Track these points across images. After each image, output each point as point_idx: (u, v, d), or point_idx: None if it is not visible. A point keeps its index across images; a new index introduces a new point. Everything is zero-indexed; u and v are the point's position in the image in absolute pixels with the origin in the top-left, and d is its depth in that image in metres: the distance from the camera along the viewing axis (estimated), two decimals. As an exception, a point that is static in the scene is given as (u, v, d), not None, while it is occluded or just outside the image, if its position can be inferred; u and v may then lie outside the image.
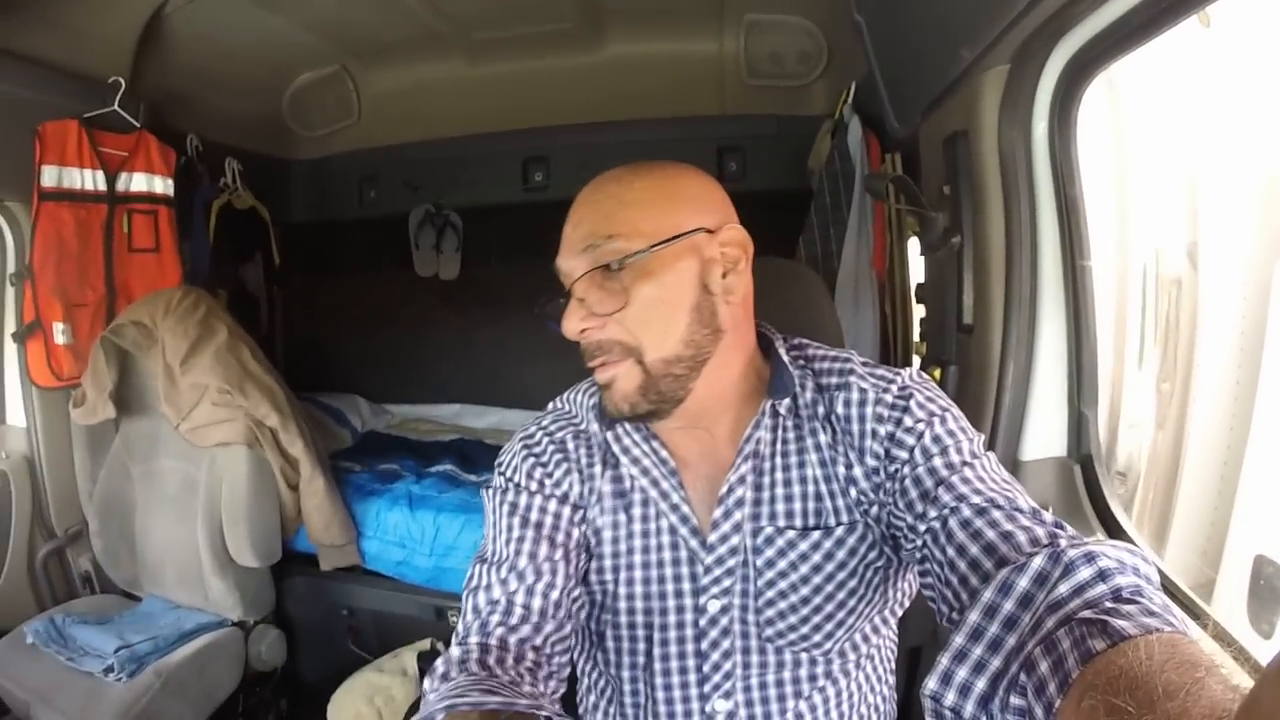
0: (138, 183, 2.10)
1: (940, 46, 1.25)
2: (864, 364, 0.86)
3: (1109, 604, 0.53)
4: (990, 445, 1.25)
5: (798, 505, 0.84)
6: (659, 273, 0.77)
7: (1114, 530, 1.14)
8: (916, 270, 1.97)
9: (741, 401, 0.86)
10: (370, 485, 2.15)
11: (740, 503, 0.84)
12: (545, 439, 0.91)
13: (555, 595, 0.82)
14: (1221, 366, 1.37)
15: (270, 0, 2.07)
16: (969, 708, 0.57)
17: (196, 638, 1.80)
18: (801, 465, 0.85)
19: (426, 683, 0.79)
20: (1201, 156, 1.44)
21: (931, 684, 0.59)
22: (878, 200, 1.87)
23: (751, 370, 0.87)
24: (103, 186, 2.02)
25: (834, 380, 0.85)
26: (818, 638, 0.84)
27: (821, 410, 0.85)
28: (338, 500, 2.01)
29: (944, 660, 0.59)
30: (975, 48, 1.13)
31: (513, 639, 0.79)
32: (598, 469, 0.89)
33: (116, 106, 2.00)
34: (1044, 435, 1.24)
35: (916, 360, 1.93)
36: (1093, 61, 1.05)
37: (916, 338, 1.95)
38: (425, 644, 1.96)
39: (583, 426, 0.92)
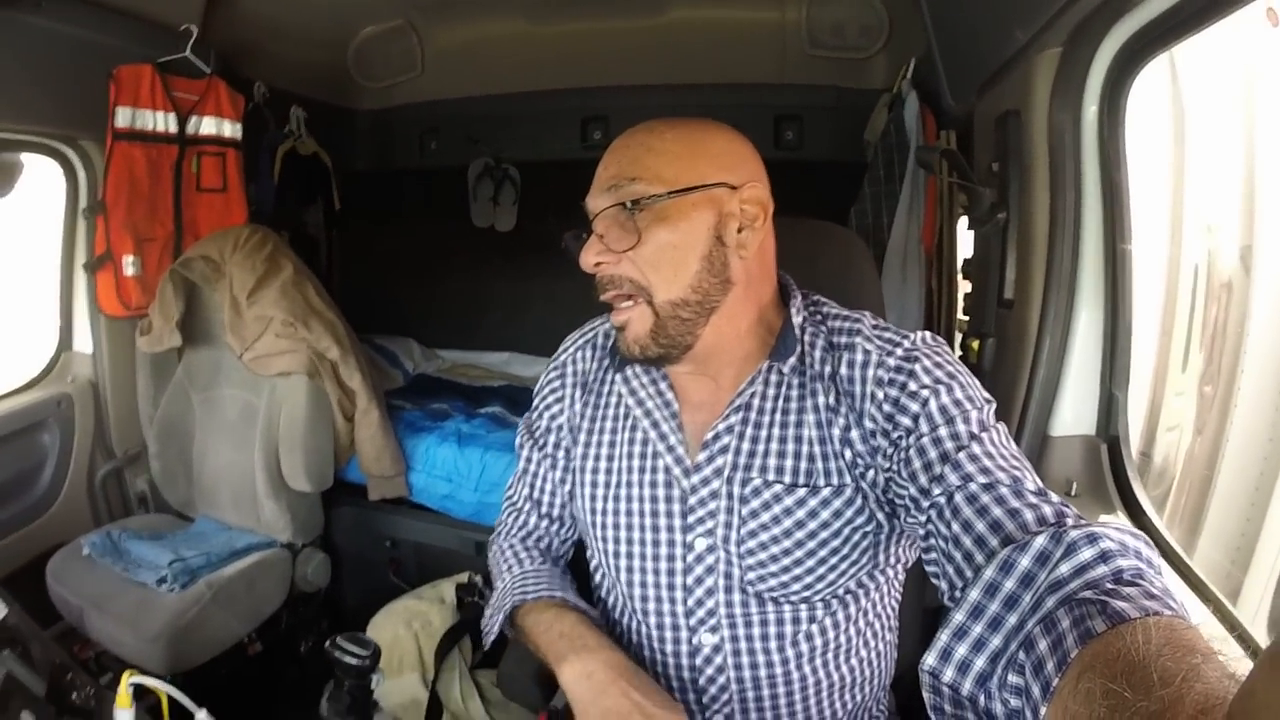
0: (207, 126, 2.29)
1: (996, 26, 1.33)
2: (875, 326, 0.92)
3: (1110, 585, 0.56)
4: (1021, 419, 1.33)
5: (789, 462, 0.92)
6: (674, 218, 0.86)
7: (1135, 511, 1.22)
8: (965, 248, 2.07)
9: (746, 355, 0.95)
10: (421, 422, 2.34)
11: (725, 450, 0.94)
12: (555, 369, 1.12)
13: (555, 508, 1.12)
14: (1266, 375, 1.40)
15: None
16: (967, 685, 0.60)
17: (247, 556, 2.00)
18: (799, 424, 0.92)
19: (493, 550, 1.13)
20: (1263, 159, 1.46)
21: (930, 660, 0.62)
22: (928, 172, 1.97)
23: (762, 326, 0.95)
24: (174, 128, 2.21)
25: (842, 340, 0.92)
26: (797, 587, 0.92)
27: (828, 370, 0.91)
28: (390, 433, 2.20)
29: (943, 637, 0.62)
30: (1029, 29, 1.21)
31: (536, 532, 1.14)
32: (608, 391, 1.05)
33: (189, 53, 2.16)
34: (1075, 413, 1.32)
35: (958, 337, 2.02)
36: (1144, 49, 1.12)
37: (961, 314, 2.05)
38: (463, 577, 2.14)
39: (607, 342, 1.08)
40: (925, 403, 0.82)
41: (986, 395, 0.84)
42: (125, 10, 2.01)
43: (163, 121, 2.17)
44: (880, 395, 0.86)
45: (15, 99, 1.82)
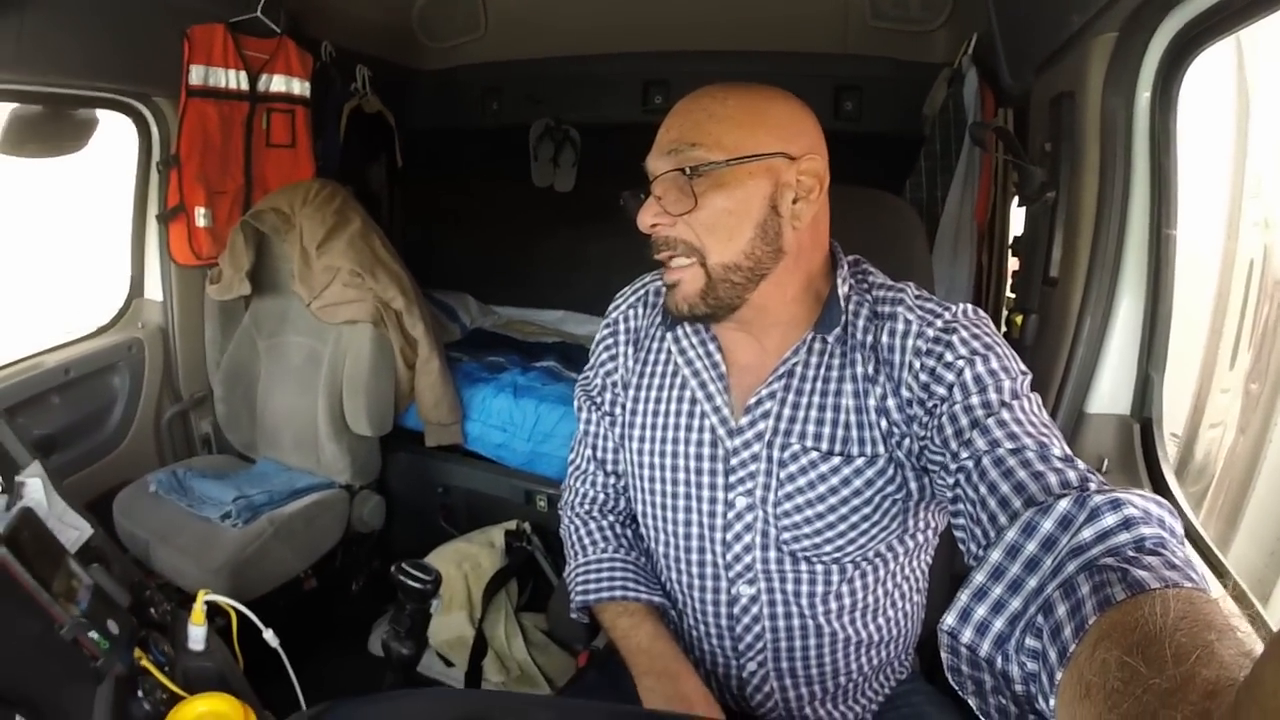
0: (277, 84, 2.45)
1: (1054, 8, 1.39)
2: (918, 296, 0.97)
3: (1131, 553, 0.57)
4: (1059, 394, 1.40)
5: (826, 430, 0.98)
6: (731, 185, 0.91)
7: (1162, 490, 1.27)
8: (1017, 226, 2.14)
9: (792, 321, 1.01)
10: (478, 373, 2.53)
11: (766, 415, 1.01)
12: (607, 326, 1.19)
13: (616, 466, 1.21)
14: None
15: None
16: (985, 646, 0.61)
17: (307, 495, 2.19)
18: (838, 393, 0.98)
19: (563, 522, 1.27)
20: None
21: (950, 619, 0.63)
22: (980, 148, 2.03)
23: (809, 294, 1.01)
24: (245, 86, 2.37)
25: (885, 309, 0.97)
26: (828, 549, 1.00)
27: (870, 338, 0.97)
28: (449, 382, 2.38)
29: (963, 597, 0.63)
30: (1085, 13, 1.27)
31: (604, 493, 1.23)
32: (658, 348, 1.13)
33: (259, 13, 2.32)
34: (1111, 392, 1.38)
35: (1004, 313, 2.09)
36: (1200, 37, 1.16)
37: (1009, 291, 2.12)
38: (512, 524, 2.31)
39: (659, 301, 1.14)
40: (960, 372, 0.86)
41: (1023, 368, 0.88)
42: None
43: (234, 79, 2.34)
44: (918, 365, 0.91)
45: (92, 57, 1.95)
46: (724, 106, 0.94)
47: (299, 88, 2.50)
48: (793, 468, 0.99)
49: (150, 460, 2.38)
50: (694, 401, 1.07)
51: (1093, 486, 0.67)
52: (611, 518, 1.22)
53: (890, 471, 0.96)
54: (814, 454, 0.98)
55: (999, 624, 0.61)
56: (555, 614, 1.35)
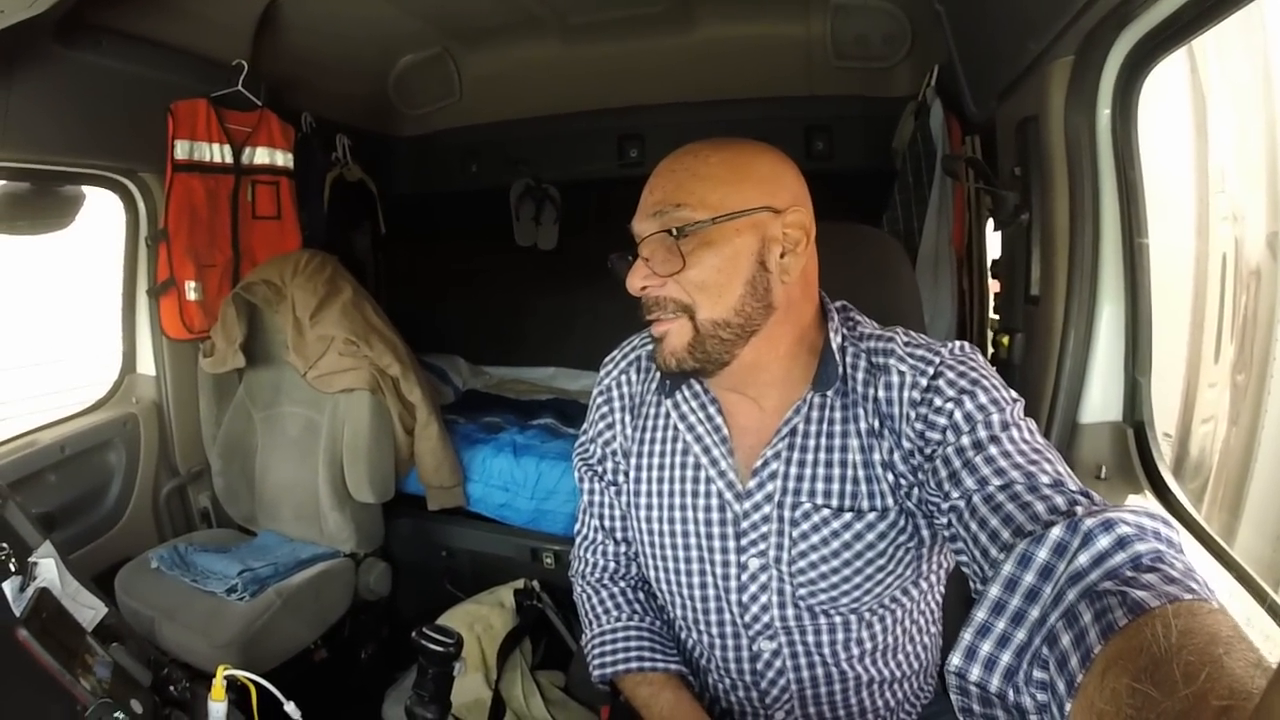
0: (261, 156, 2.51)
1: (1012, 37, 1.46)
2: (906, 344, 0.97)
3: (1129, 573, 0.58)
4: (1051, 408, 1.44)
5: (835, 486, 0.98)
6: (719, 243, 0.92)
7: (1161, 490, 1.29)
8: (993, 248, 2.20)
9: (788, 379, 1.01)
10: (476, 435, 2.55)
11: (774, 475, 1.01)
12: (600, 394, 1.19)
13: (624, 535, 1.20)
14: None
15: None
16: (995, 681, 0.61)
17: (312, 565, 2.18)
18: (844, 449, 0.98)
19: (575, 590, 1.26)
20: None
21: (955, 660, 0.63)
22: (954, 179, 2.10)
23: (803, 349, 1.01)
24: (230, 159, 2.43)
25: (880, 360, 0.98)
26: (845, 601, 1.00)
27: (871, 392, 0.97)
28: (449, 445, 2.40)
29: (967, 635, 0.63)
30: (1042, 40, 1.34)
31: (614, 562, 1.21)
32: (656, 414, 1.12)
33: (240, 87, 2.38)
34: (1102, 400, 1.42)
35: (990, 334, 2.13)
36: (1152, 52, 1.22)
37: (992, 313, 2.17)
38: (519, 583, 2.30)
39: (651, 365, 1.15)
40: (951, 414, 0.88)
41: (1013, 395, 0.89)
42: (180, 47, 2.22)
43: (219, 153, 2.39)
44: (913, 415, 0.92)
45: (78, 135, 2.00)
46: (706, 165, 0.95)
47: (282, 159, 2.56)
48: (805, 526, 0.99)
49: (149, 536, 2.38)
50: (698, 467, 1.07)
51: (1081, 510, 0.68)
52: (623, 584, 1.22)
53: (902, 522, 0.97)
54: (825, 511, 0.99)
55: (1006, 658, 0.61)
56: (576, 675, 1.35)
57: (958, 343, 0.96)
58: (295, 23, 2.45)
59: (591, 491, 1.22)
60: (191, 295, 2.34)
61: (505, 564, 2.42)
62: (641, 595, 1.21)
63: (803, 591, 1.01)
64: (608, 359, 1.21)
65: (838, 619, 1.02)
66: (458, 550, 2.52)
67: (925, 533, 0.98)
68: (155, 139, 2.24)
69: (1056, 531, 0.63)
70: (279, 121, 2.54)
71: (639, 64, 2.91)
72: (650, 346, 1.10)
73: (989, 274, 2.12)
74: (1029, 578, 0.62)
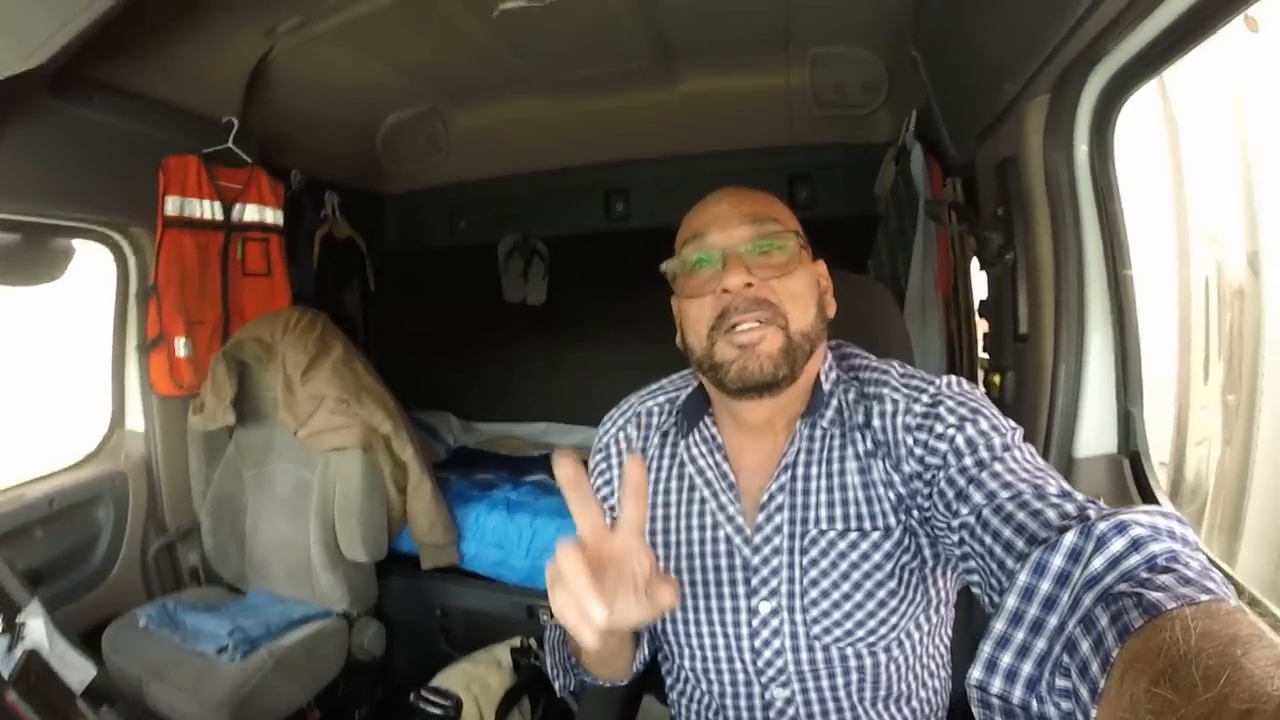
0: (250, 213, 2.51)
1: (988, 79, 1.48)
2: (902, 374, 1.00)
3: (1144, 574, 0.57)
4: (1046, 444, 1.43)
5: (839, 510, 0.99)
6: (805, 263, 0.98)
7: None
8: (979, 288, 2.21)
9: (795, 409, 1.03)
10: (469, 492, 2.50)
11: (780, 508, 1.00)
12: (599, 452, 1.17)
13: None
14: None
15: (366, 46, 2.44)
16: (1017, 692, 0.61)
17: (304, 625, 2.11)
18: (843, 473, 0.99)
19: (547, 646, 1.19)
20: (1260, 163, 1.54)
21: (976, 673, 0.63)
22: (938, 224, 2.13)
23: (815, 378, 1.04)
24: (220, 216, 2.43)
25: (872, 390, 1.00)
26: (861, 633, 0.98)
27: (862, 418, 0.99)
28: (442, 503, 2.36)
29: (986, 648, 0.62)
30: (1017, 81, 1.35)
31: None
32: (661, 461, 1.11)
33: (231, 144, 2.40)
34: (1096, 433, 1.42)
35: (981, 374, 2.13)
36: (1124, 86, 1.24)
37: (981, 352, 2.17)
38: (516, 641, 2.24)
39: (651, 421, 1.14)
40: (952, 440, 0.88)
41: (1012, 424, 0.90)
42: (171, 104, 2.23)
43: (209, 209, 2.39)
44: (910, 440, 0.93)
45: (68, 188, 2.00)
46: (769, 197, 1.01)
47: (272, 216, 2.56)
48: (814, 552, 0.99)
49: (137, 594, 2.32)
50: (704, 513, 1.06)
51: (1093, 514, 0.67)
52: None
53: (905, 541, 0.97)
54: (831, 534, 0.98)
55: (1027, 668, 0.61)
56: None
57: (953, 376, 0.97)
58: (285, 80, 2.48)
59: None
60: (182, 352, 2.32)
61: (501, 622, 2.36)
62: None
63: (817, 629, 0.99)
64: (605, 418, 1.19)
65: (852, 659, 1.00)
66: (452, 608, 2.46)
67: (928, 552, 0.97)
68: (146, 194, 2.24)
69: (1070, 537, 0.62)
70: (269, 179, 2.55)
71: (624, 119, 2.96)
72: (650, 404, 1.14)
73: (976, 314, 2.14)
74: (1045, 585, 0.62)
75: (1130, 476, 1.39)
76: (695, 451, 1.08)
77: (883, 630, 0.98)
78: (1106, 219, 1.38)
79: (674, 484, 1.10)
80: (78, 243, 2.22)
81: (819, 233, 2.69)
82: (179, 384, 2.33)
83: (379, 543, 2.25)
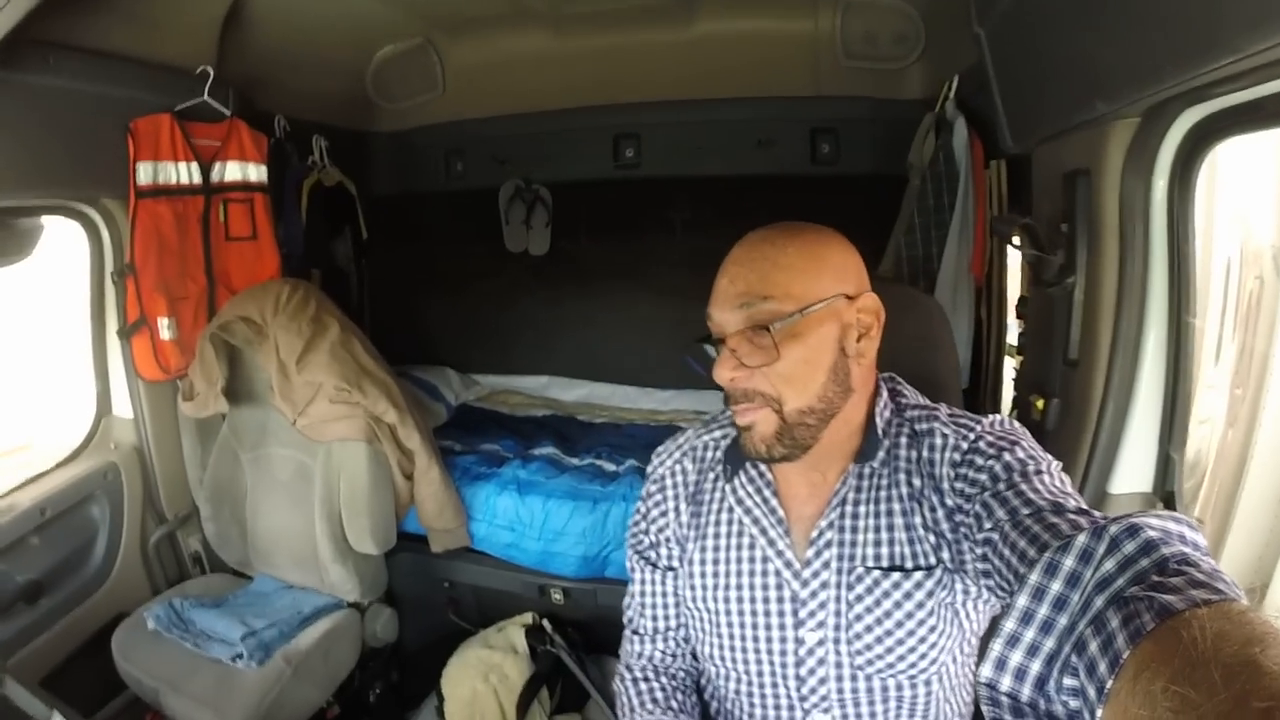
0: (232, 172, 2.29)
1: (1072, 87, 1.34)
2: (950, 415, 1.03)
3: (1155, 577, 0.57)
4: (1084, 475, 1.42)
5: (885, 549, 1.01)
6: (805, 335, 0.94)
7: None
8: (1014, 276, 2.12)
9: (844, 450, 1.04)
10: (477, 469, 2.41)
11: (829, 544, 1.03)
12: (654, 483, 1.20)
13: (675, 623, 1.20)
14: None
15: None
16: (1026, 690, 0.62)
17: (317, 621, 2.07)
18: (889, 513, 1.02)
19: (625, 674, 1.25)
20: None
21: (986, 671, 0.64)
22: (1006, 242, 2.00)
23: (868, 420, 1.05)
24: (198, 179, 2.20)
25: (922, 427, 1.02)
26: (903, 666, 1.02)
27: (914, 456, 1.02)
28: (451, 487, 2.27)
29: (996, 646, 0.64)
30: (1112, 103, 1.23)
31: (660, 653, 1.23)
32: (712, 501, 1.14)
33: (207, 96, 2.15)
34: (1133, 472, 1.41)
35: (1009, 363, 2.07)
36: (1223, 129, 1.16)
37: (1012, 340, 2.10)
38: (528, 618, 2.23)
39: (707, 455, 1.17)
40: (991, 469, 0.91)
41: (1050, 457, 0.92)
42: (137, 58, 1.98)
43: (185, 173, 2.17)
44: (954, 474, 0.96)
45: (31, 163, 1.79)
46: (785, 255, 0.96)
47: (255, 173, 2.34)
48: (859, 589, 1.02)
49: (142, 589, 2.24)
50: (754, 547, 1.09)
51: (1102, 518, 0.69)
52: (666, 680, 1.22)
53: (944, 579, 0.99)
54: (876, 573, 1.01)
55: (1036, 667, 0.62)
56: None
57: (999, 416, 1.00)
58: (264, 18, 2.23)
59: (644, 582, 1.22)
60: (166, 334, 2.15)
61: (511, 599, 2.34)
62: (681, 698, 1.21)
63: (860, 660, 1.03)
64: (660, 449, 1.23)
65: (892, 688, 1.04)
66: (459, 583, 2.43)
67: (960, 587, 1.00)
68: (115, 161, 2.01)
69: (1082, 539, 0.63)
70: (250, 131, 2.31)
71: (636, 59, 2.73)
72: (707, 438, 1.18)
73: (1014, 309, 2.06)
74: (1056, 586, 0.63)
75: None
76: (742, 493, 1.11)
77: (923, 664, 1.02)
78: (1178, 260, 1.31)
79: (724, 526, 1.12)
80: (47, 218, 2.01)
81: (841, 191, 2.58)
82: (165, 368, 2.18)
83: (389, 534, 2.18)
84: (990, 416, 1.00)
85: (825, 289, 0.95)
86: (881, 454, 1.03)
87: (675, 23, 2.59)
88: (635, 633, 1.25)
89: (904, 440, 1.03)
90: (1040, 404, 1.60)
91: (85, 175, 1.98)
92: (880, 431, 1.03)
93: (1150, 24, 1.03)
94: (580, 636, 2.24)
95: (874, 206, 2.42)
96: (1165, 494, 1.39)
